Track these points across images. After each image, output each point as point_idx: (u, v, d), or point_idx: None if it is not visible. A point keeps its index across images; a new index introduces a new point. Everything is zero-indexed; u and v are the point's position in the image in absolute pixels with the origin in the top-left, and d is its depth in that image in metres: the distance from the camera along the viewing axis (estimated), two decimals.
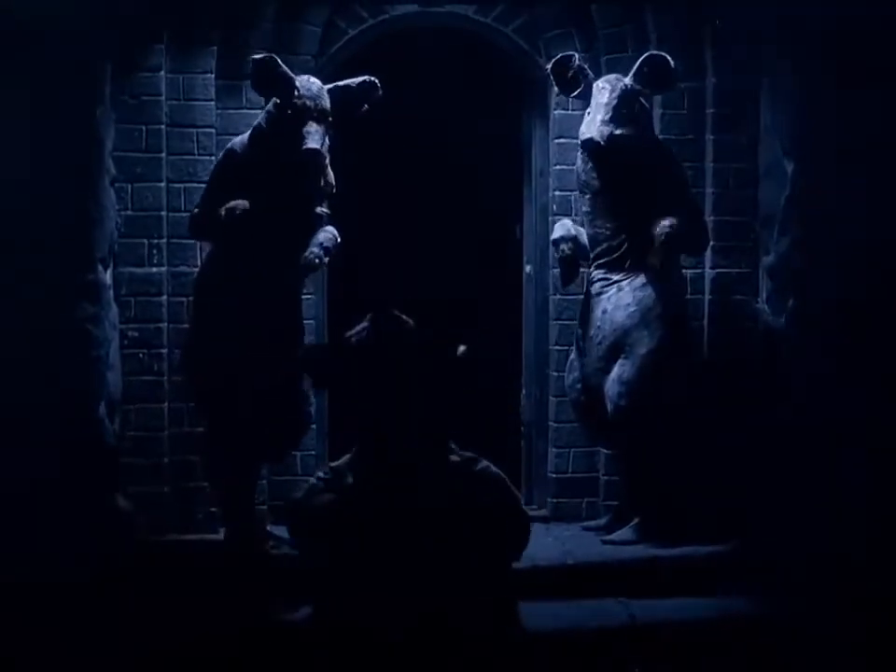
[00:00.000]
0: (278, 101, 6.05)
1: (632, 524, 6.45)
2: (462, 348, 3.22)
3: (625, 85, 6.31)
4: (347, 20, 6.80)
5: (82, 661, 5.29)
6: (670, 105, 6.72)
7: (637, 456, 6.45)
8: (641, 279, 6.39)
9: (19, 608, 5.45)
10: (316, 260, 6.10)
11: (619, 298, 6.40)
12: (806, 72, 6.15)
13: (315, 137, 5.98)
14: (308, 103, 6.02)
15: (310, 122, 6.00)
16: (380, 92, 6.20)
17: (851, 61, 6.02)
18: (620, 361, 6.35)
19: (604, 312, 6.43)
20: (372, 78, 6.19)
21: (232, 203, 5.95)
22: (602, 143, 6.22)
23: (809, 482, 6.17)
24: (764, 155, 6.58)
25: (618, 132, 6.25)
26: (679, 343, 6.36)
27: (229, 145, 6.23)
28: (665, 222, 6.22)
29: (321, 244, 6.15)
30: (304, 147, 5.96)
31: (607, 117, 6.26)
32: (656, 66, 6.24)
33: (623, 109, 6.27)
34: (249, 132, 6.18)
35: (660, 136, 6.67)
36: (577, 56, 6.42)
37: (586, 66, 6.42)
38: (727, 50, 6.58)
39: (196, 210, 6.22)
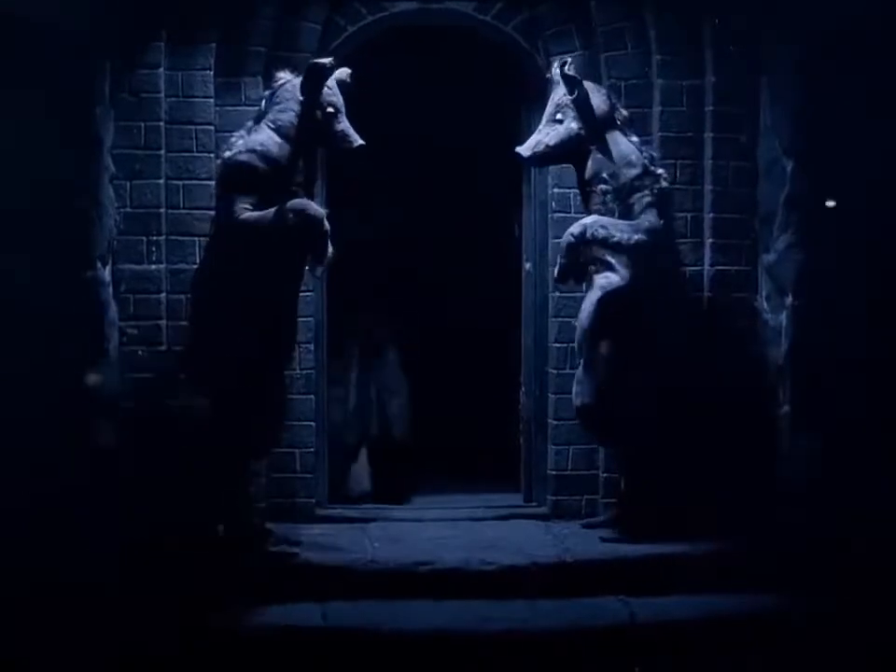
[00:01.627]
0: (302, 98, 6.10)
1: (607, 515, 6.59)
2: None
3: (561, 93, 6.42)
4: (347, 17, 6.78)
5: (80, 660, 5.30)
6: (669, 103, 6.72)
7: (613, 454, 6.58)
8: (601, 279, 6.42)
9: (17, 607, 5.45)
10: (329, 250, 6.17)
11: (588, 298, 6.48)
12: (806, 72, 6.16)
13: (355, 133, 6.14)
14: (337, 100, 6.14)
15: (341, 119, 6.14)
16: (349, 80, 6.26)
17: (850, 59, 6.02)
18: (581, 361, 6.46)
19: (581, 311, 6.53)
20: (348, 69, 6.27)
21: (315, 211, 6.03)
22: (523, 154, 6.46)
23: (808, 479, 6.17)
24: (764, 153, 6.58)
25: (546, 140, 6.43)
26: (638, 342, 6.35)
27: (257, 147, 6.11)
28: (572, 229, 6.35)
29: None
30: (355, 144, 6.11)
31: (540, 126, 6.48)
32: (562, 74, 6.37)
33: (558, 116, 6.42)
34: (272, 132, 6.12)
35: (659, 134, 6.69)
36: (555, 65, 6.48)
37: (556, 77, 6.43)
38: (726, 49, 6.58)
39: (241, 217, 6.03)
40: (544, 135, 6.45)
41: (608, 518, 6.66)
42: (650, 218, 6.31)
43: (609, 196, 6.39)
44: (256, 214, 6.03)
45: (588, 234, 6.29)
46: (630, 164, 6.36)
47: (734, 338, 6.66)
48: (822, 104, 6.10)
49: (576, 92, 6.34)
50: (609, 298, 6.36)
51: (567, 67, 6.32)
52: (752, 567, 6.03)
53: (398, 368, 7.64)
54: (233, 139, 6.21)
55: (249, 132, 6.18)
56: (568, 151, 6.44)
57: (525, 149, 6.46)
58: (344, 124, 6.14)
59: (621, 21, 6.75)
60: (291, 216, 5.98)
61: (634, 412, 6.31)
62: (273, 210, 6.00)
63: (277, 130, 6.12)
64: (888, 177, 6.05)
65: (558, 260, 6.41)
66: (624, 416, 6.34)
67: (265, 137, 6.12)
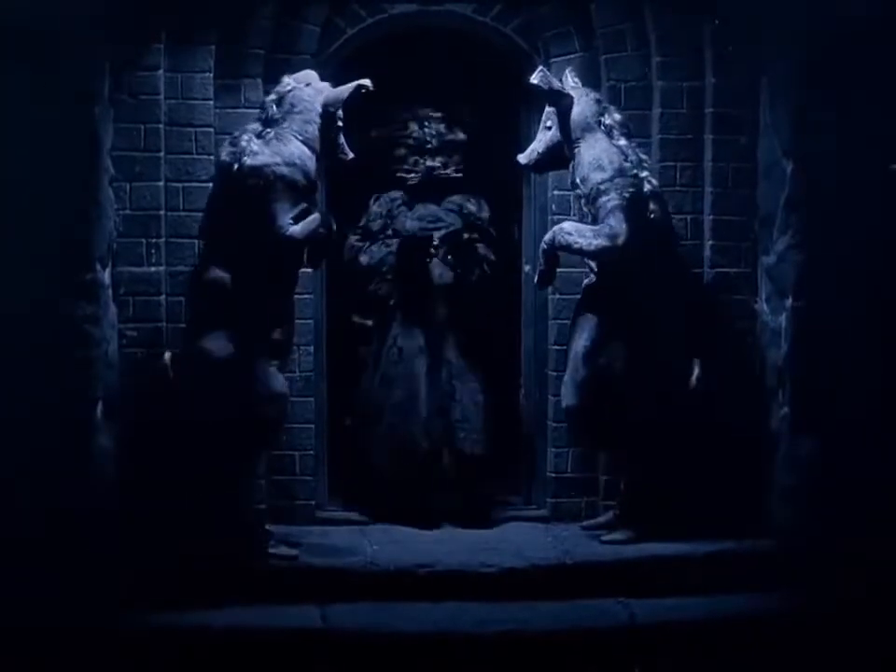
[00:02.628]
0: (322, 112, 6.15)
1: (609, 514, 6.60)
2: None
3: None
4: (346, 19, 6.78)
5: (79, 660, 5.29)
6: (669, 105, 6.72)
7: (609, 456, 6.63)
8: (585, 281, 6.53)
9: (15, 606, 5.45)
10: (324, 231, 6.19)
11: (579, 300, 6.56)
12: (806, 72, 6.16)
13: (347, 147, 6.29)
14: (340, 113, 6.21)
15: (341, 132, 6.26)
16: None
17: (851, 60, 6.02)
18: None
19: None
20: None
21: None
22: (521, 162, 6.59)
23: (808, 480, 6.17)
24: (763, 155, 6.58)
25: (538, 147, 6.56)
26: (618, 344, 6.37)
27: (297, 161, 6.07)
28: (546, 235, 6.42)
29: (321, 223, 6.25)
30: (349, 156, 6.29)
31: (538, 136, 6.59)
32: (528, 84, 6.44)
33: (548, 123, 6.52)
34: (301, 144, 6.11)
35: (658, 136, 6.70)
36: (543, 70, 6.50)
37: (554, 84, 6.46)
38: (727, 50, 6.58)
39: (289, 232, 6.04)
40: (537, 142, 6.57)
41: (607, 520, 6.66)
42: (611, 223, 6.29)
43: (582, 201, 6.45)
44: (299, 228, 6.05)
45: (556, 241, 6.36)
46: (600, 168, 6.36)
47: (733, 340, 6.67)
48: (822, 104, 6.11)
49: (548, 101, 6.43)
50: (582, 300, 6.49)
51: (535, 77, 6.37)
52: (752, 568, 6.03)
53: (466, 371, 7.03)
54: (243, 143, 6.12)
55: (261, 135, 6.12)
56: (556, 157, 6.53)
57: (523, 157, 6.59)
58: (342, 136, 6.26)
59: (621, 23, 6.74)
60: (324, 227, 6.08)
61: (618, 413, 6.32)
62: (311, 222, 6.05)
63: (306, 142, 6.14)
64: (888, 178, 6.05)
65: (537, 267, 6.49)
66: (609, 418, 6.35)
67: (299, 151, 6.11)
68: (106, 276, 6.21)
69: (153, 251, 6.53)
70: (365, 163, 6.63)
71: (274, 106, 6.20)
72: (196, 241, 6.50)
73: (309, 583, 5.94)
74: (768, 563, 6.02)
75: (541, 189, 6.99)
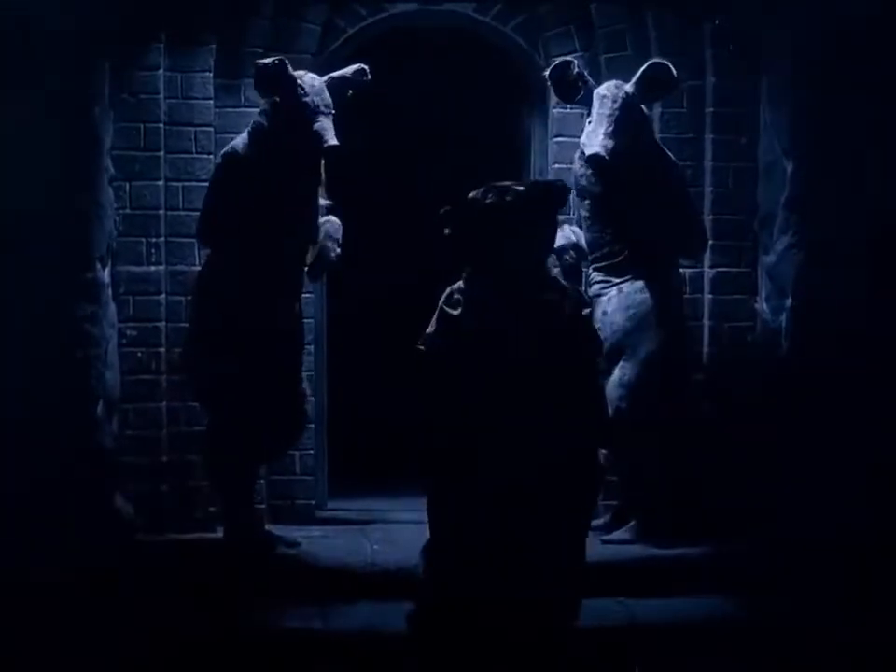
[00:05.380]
0: (278, 100, 5.99)
1: (631, 524, 6.46)
2: None
3: (626, 93, 6.31)
4: (346, 18, 6.79)
5: (79, 661, 5.29)
6: (669, 105, 6.72)
7: (638, 458, 6.46)
8: (641, 282, 6.41)
9: (15, 607, 5.45)
10: (333, 255, 6.12)
11: (619, 300, 6.42)
12: (806, 72, 6.16)
13: (331, 133, 5.95)
14: (315, 99, 5.98)
15: (319, 118, 5.96)
16: (368, 77, 6.17)
17: (850, 60, 6.03)
18: (620, 364, 6.37)
19: (604, 314, 6.44)
20: (363, 66, 6.19)
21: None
22: (607, 157, 6.20)
23: (809, 481, 6.17)
24: (764, 154, 6.58)
25: (618, 142, 6.25)
26: (679, 344, 6.36)
27: (227, 149, 6.11)
28: None
29: (331, 236, 6.16)
30: (326, 144, 5.93)
31: (609, 129, 6.25)
32: (659, 74, 6.25)
33: (626, 119, 6.28)
34: (247, 133, 6.13)
35: (659, 136, 6.68)
36: (575, 62, 6.42)
37: (585, 72, 6.42)
38: (726, 49, 6.59)
39: (205, 218, 6.14)
40: (616, 139, 6.24)
41: (608, 520, 6.65)
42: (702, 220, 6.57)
43: None
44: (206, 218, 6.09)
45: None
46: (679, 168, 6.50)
47: (733, 340, 6.66)
48: (822, 104, 6.11)
49: (673, 92, 6.38)
50: (655, 298, 6.37)
51: (655, 61, 6.31)
52: (753, 569, 6.03)
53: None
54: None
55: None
56: (634, 152, 6.31)
57: (604, 151, 6.21)
58: (322, 124, 5.97)
59: (621, 23, 6.76)
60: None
61: (672, 415, 6.32)
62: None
63: (251, 132, 6.09)
64: (888, 177, 6.06)
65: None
66: (662, 421, 6.33)
67: (239, 140, 6.13)
68: (106, 275, 6.22)
69: (153, 250, 6.54)
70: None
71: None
72: (196, 240, 6.51)
73: (309, 584, 5.93)
74: (769, 565, 6.02)
75: None
